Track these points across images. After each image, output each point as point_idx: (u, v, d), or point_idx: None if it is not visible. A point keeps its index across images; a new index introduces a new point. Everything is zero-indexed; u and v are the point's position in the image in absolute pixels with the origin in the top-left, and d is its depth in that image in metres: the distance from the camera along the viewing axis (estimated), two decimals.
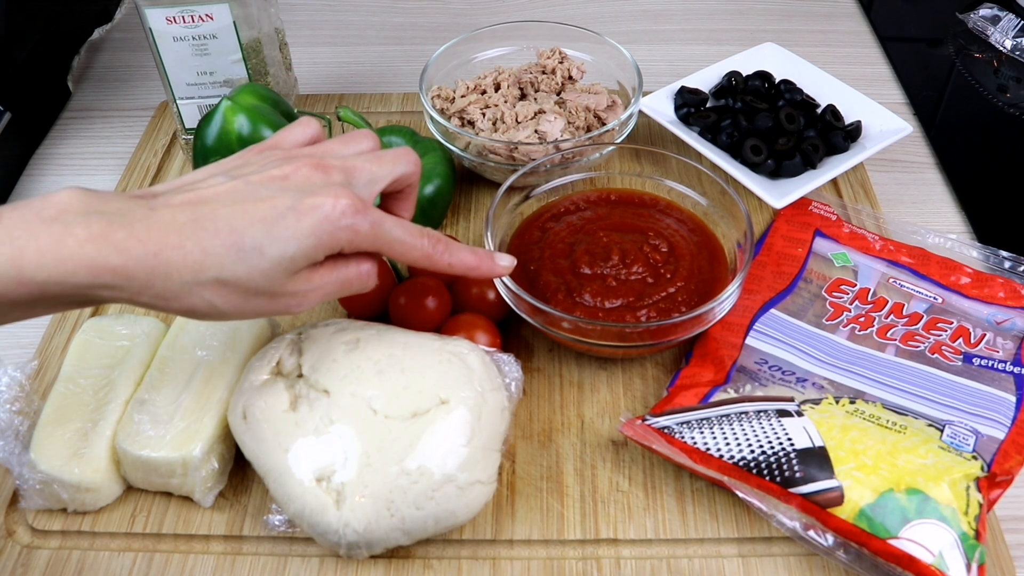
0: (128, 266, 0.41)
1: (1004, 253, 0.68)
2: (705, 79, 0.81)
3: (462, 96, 0.77)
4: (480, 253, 0.53)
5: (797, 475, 0.51)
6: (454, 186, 0.73)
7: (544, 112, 0.75)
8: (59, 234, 0.40)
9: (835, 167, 0.72)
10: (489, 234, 0.61)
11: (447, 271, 0.51)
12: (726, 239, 0.65)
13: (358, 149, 0.50)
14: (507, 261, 0.54)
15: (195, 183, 0.45)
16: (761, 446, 0.52)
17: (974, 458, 0.53)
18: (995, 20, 0.96)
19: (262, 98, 0.68)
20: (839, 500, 0.50)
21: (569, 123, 0.74)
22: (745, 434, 0.53)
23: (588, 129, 0.75)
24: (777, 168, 0.73)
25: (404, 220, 0.49)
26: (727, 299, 0.58)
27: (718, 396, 0.58)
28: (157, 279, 0.42)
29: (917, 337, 0.61)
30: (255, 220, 0.43)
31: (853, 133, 0.75)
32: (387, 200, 0.52)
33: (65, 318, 0.67)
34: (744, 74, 0.80)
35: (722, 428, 0.54)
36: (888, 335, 0.62)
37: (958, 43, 0.96)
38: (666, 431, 0.54)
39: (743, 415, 0.55)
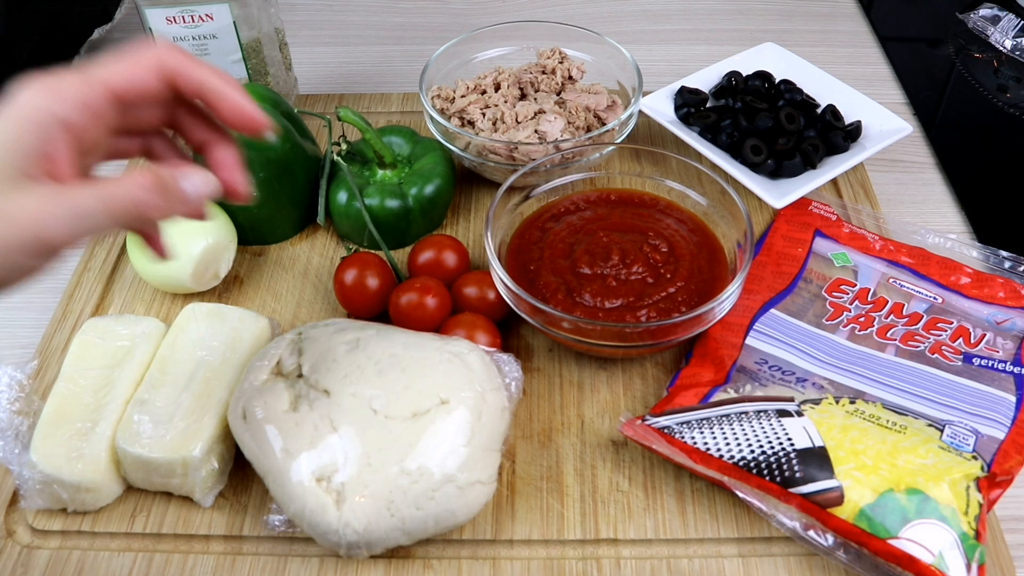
0: None
1: (1004, 253, 0.68)
2: (705, 79, 0.81)
3: (462, 96, 0.77)
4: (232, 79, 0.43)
5: (797, 475, 0.51)
6: (454, 186, 0.73)
7: (544, 112, 0.75)
8: None
9: (835, 167, 0.72)
10: (489, 234, 0.61)
11: (196, 78, 0.41)
12: (726, 239, 0.65)
13: None
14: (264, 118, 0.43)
15: None
16: (761, 446, 0.53)
17: (974, 458, 0.53)
18: (995, 20, 0.96)
19: (262, 98, 0.69)
20: (839, 500, 0.50)
21: (569, 123, 0.74)
22: (745, 434, 0.53)
23: (588, 129, 0.75)
24: (777, 168, 0.73)
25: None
26: (727, 299, 0.58)
27: (718, 396, 0.58)
28: None
29: (917, 337, 0.61)
30: None
31: (853, 133, 0.75)
32: (188, 91, 0.43)
33: (65, 318, 0.67)
34: (744, 74, 0.80)
35: (722, 428, 0.54)
36: (888, 335, 0.62)
37: (958, 43, 0.96)
38: (666, 431, 0.54)
39: (743, 415, 0.55)
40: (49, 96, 0.37)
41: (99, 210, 0.37)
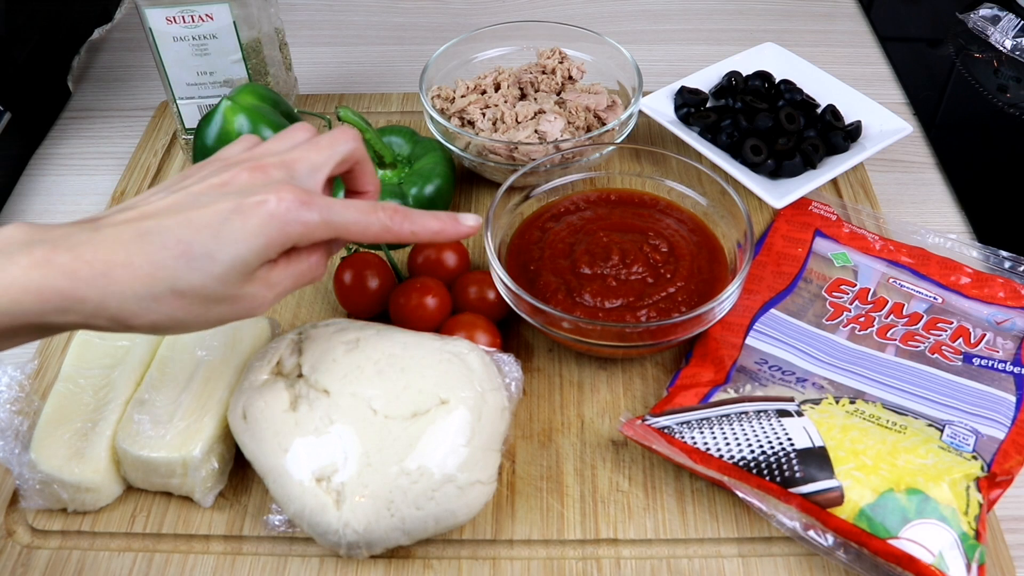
0: (77, 288, 0.40)
1: (1004, 253, 0.68)
2: (705, 79, 0.81)
3: (462, 96, 0.77)
4: (442, 216, 0.50)
5: (797, 475, 0.51)
6: (454, 186, 0.73)
7: (544, 112, 0.75)
8: (2, 265, 0.40)
9: (835, 167, 0.72)
10: (489, 234, 0.61)
11: (411, 239, 0.49)
12: (726, 239, 0.65)
13: (294, 142, 0.49)
14: (472, 220, 0.51)
15: (136, 203, 0.46)
16: (761, 446, 0.53)
17: (974, 458, 0.53)
18: (995, 20, 0.96)
19: (262, 98, 0.69)
20: (839, 500, 0.50)
21: (569, 123, 0.74)
22: (745, 434, 0.53)
23: (588, 129, 0.75)
24: (777, 168, 0.73)
25: (355, 200, 0.48)
26: (727, 299, 0.58)
27: (718, 396, 0.58)
28: (111, 299, 0.41)
29: (917, 337, 0.61)
30: (200, 227, 0.43)
31: (853, 133, 0.75)
32: (346, 181, 0.52)
33: None
34: (744, 74, 0.80)
35: (722, 428, 0.54)
36: (888, 335, 0.62)
37: (958, 43, 0.96)
38: (666, 431, 0.54)
39: (743, 415, 0.55)
40: (293, 225, 0.44)
41: (292, 288, 0.47)
